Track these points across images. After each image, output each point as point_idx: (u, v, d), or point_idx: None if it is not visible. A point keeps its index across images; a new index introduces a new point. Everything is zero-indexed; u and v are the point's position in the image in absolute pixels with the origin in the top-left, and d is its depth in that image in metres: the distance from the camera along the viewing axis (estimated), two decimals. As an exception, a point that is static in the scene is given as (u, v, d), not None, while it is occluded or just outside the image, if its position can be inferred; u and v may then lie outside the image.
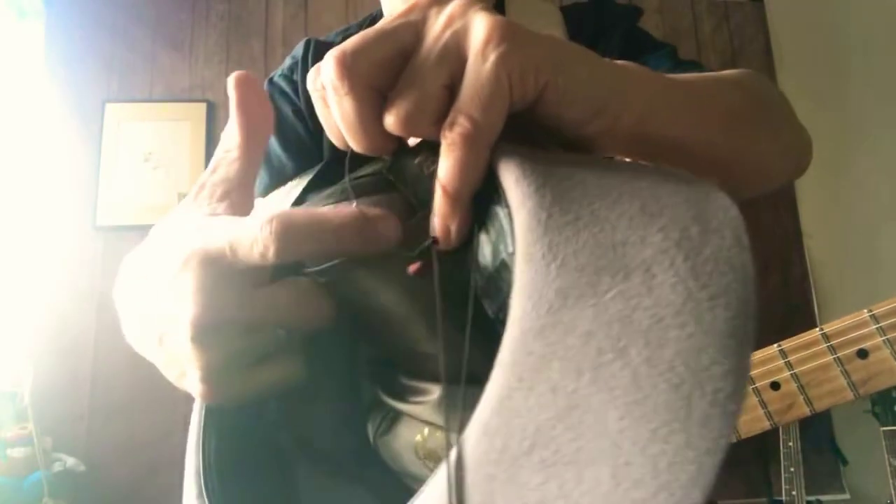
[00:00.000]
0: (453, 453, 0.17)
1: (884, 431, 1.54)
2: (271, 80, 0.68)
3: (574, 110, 0.23)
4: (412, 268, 0.23)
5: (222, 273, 0.23)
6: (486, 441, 0.17)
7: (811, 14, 2.24)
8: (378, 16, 0.69)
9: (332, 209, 0.23)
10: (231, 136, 0.28)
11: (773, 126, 0.43)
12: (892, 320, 0.61)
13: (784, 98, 0.47)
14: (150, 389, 1.80)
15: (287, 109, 0.63)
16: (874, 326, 0.61)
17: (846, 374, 0.62)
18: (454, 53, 0.22)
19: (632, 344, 0.16)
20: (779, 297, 2.06)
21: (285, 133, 0.62)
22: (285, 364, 0.26)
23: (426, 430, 0.26)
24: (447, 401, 0.20)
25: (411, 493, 0.18)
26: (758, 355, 0.68)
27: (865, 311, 0.62)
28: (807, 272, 2.09)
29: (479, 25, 0.22)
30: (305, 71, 0.64)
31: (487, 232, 0.22)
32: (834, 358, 0.63)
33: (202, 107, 2.04)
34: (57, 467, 1.54)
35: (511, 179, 0.20)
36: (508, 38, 0.21)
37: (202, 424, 0.27)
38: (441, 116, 0.22)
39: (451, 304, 0.21)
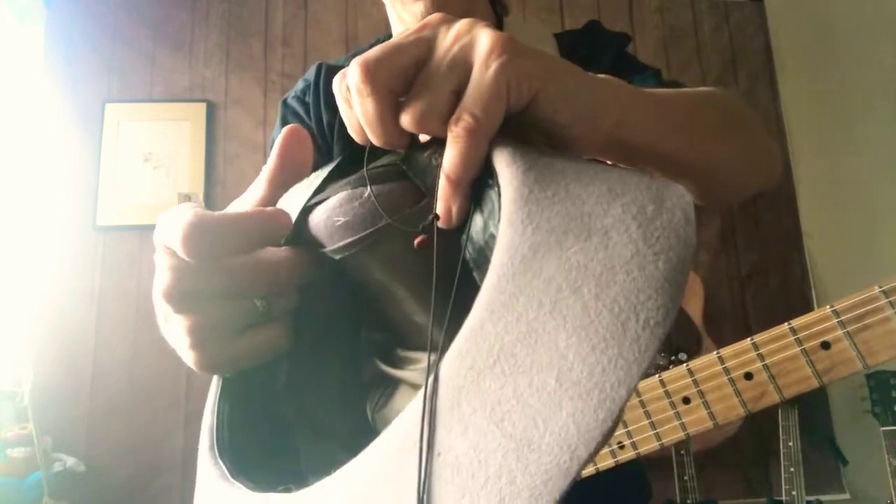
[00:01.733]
0: (431, 377, 0.21)
1: (884, 431, 1.54)
2: (285, 102, 0.72)
3: (562, 114, 0.27)
4: (417, 241, 0.26)
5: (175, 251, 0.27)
6: (458, 361, 0.21)
7: (811, 14, 2.24)
8: (384, 39, 0.73)
9: (236, 212, 0.28)
10: (258, 188, 0.31)
11: (741, 138, 0.47)
12: (851, 314, 0.67)
13: (755, 114, 0.52)
14: (150, 389, 1.80)
15: None
16: (836, 320, 0.68)
17: (811, 364, 0.69)
18: (461, 64, 0.26)
19: (585, 284, 0.20)
20: (779, 297, 2.06)
21: None
22: (267, 333, 0.29)
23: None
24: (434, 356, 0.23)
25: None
26: (733, 348, 0.74)
27: (828, 307, 0.69)
28: (807, 272, 2.09)
29: (484, 39, 0.25)
30: (317, 94, 0.69)
31: (481, 211, 0.26)
32: (801, 349, 0.70)
33: (202, 107, 2.04)
34: (57, 467, 1.55)
35: (503, 163, 0.24)
36: (509, 50, 0.25)
37: (219, 390, 0.30)
38: (449, 117, 0.25)
39: (447, 277, 0.25)
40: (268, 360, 0.30)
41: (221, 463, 0.28)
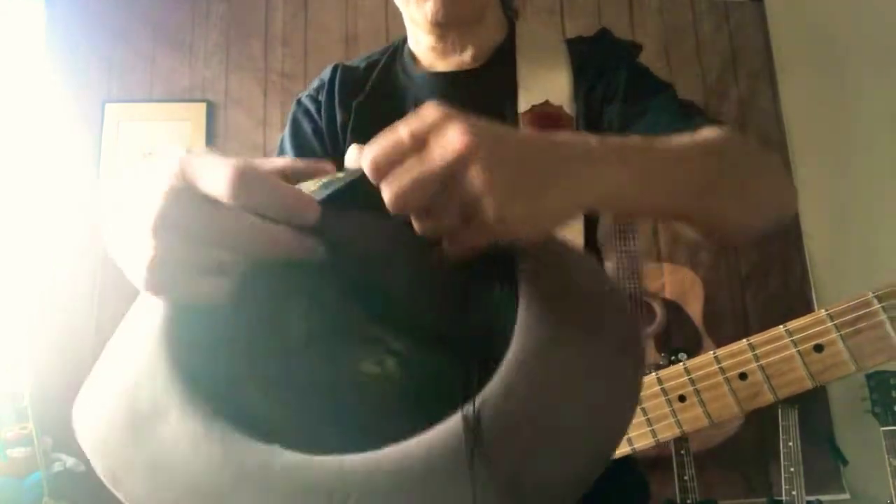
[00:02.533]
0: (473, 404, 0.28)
1: (884, 431, 1.55)
2: (299, 101, 0.74)
3: (516, 231, 0.33)
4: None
5: (192, 188, 0.29)
6: (502, 402, 0.28)
7: (811, 14, 2.24)
8: (401, 43, 0.76)
9: (284, 185, 0.31)
10: (282, 161, 0.36)
11: (743, 188, 0.50)
12: (844, 318, 0.71)
13: (762, 155, 0.53)
14: (150, 389, 1.80)
15: (308, 128, 0.70)
16: (830, 324, 0.71)
17: (805, 365, 0.73)
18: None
19: (593, 371, 0.31)
20: (779, 297, 2.06)
21: (303, 149, 0.69)
22: (216, 284, 0.31)
23: (384, 360, 0.38)
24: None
25: (321, 410, 0.29)
26: (729, 349, 0.77)
27: (823, 311, 0.72)
28: (807, 272, 2.09)
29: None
30: (331, 93, 0.72)
31: (500, 278, 0.37)
32: (796, 351, 0.73)
33: (202, 107, 2.04)
34: (57, 467, 1.55)
35: (523, 262, 0.34)
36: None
37: (171, 328, 0.32)
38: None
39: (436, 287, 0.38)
40: (210, 309, 0.32)
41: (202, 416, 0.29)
